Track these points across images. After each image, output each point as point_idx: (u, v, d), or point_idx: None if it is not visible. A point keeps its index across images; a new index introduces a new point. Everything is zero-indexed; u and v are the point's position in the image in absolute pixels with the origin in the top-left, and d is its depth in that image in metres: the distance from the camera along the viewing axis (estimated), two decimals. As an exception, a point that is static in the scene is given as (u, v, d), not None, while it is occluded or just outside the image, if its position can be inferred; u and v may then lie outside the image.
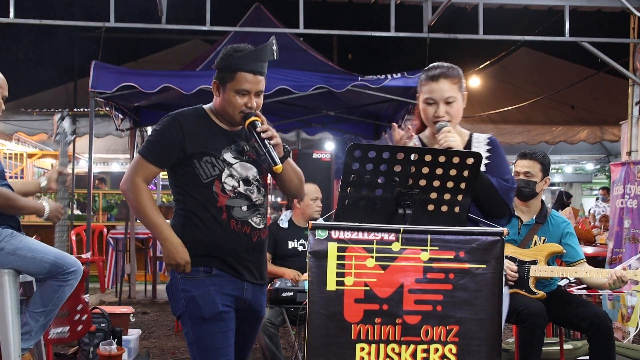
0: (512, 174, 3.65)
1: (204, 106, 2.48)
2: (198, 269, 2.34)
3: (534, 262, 3.52)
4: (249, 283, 2.41)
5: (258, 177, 2.44)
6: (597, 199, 12.81)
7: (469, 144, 2.47)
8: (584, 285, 3.80)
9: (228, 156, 2.38)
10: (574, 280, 3.93)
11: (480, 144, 2.48)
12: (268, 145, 2.33)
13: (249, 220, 2.39)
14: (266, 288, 2.58)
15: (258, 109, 2.42)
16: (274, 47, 2.40)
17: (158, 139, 2.38)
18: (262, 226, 2.44)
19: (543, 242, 3.63)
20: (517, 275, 3.47)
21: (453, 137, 2.25)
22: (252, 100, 2.38)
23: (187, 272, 2.33)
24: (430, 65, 2.47)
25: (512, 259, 3.52)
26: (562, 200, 10.30)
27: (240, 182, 2.38)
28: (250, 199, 2.39)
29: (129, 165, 2.42)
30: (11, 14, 6.00)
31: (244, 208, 2.38)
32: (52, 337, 3.47)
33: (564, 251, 3.59)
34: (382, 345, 1.89)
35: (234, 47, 2.40)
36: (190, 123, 2.39)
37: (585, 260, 3.66)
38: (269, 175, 2.54)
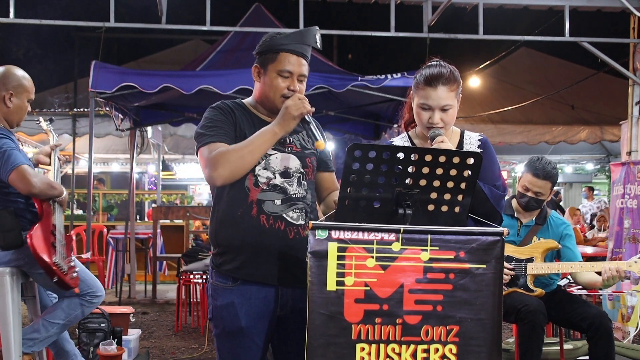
0: (520, 187, 3.63)
1: (243, 100, 2.39)
2: (226, 278, 2.23)
3: (531, 260, 3.52)
4: (287, 287, 2.23)
5: (302, 169, 2.29)
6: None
7: (460, 144, 2.43)
8: (584, 285, 3.81)
9: None
10: (573, 281, 3.93)
11: (472, 145, 2.42)
12: (310, 121, 2.22)
13: (283, 215, 2.21)
14: None
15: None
16: (317, 35, 2.31)
17: (216, 123, 2.23)
18: (301, 222, 2.24)
19: (542, 243, 3.63)
20: (509, 278, 3.47)
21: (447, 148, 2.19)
22: (294, 83, 2.26)
23: (308, 109, 2.18)
24: (430, 63, 2.36)
25: (508, 257, 3.51)
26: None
27: (277, 174, 2.24)
28: (287, 192, 2.23)
29: (201, 163, 2.22)
30: (11, 14, 6.01)
31: (277, 202, 2.22)
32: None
33: (559, 246, 3.58)
34: (382, 345, 1.89)
35: (275, 32, 2.33)
36: (236, 109, 2.31)
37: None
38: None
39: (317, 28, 2.34)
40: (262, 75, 2.31)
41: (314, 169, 2.36)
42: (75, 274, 3.32)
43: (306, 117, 2.22)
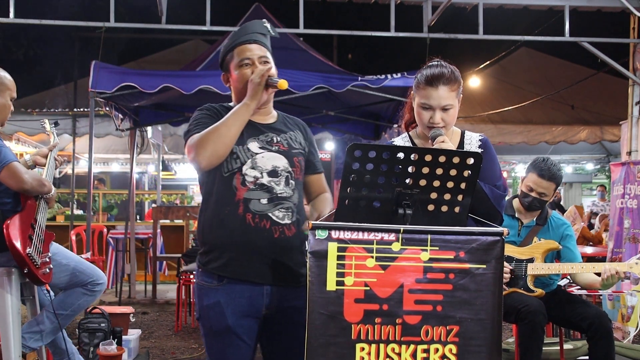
0: (524, 187, 3.63)
1: (229, 104, 2.42)
2: (212, 277, 2.25)
3: (531, 260, 3.52)
4: (273, 286, 2.24)
5: (289, 169, 2.30)
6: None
7: (461, 144, 2.43)
8: (584, 286, 3.80)
9: (253, 146, 2.27)
10: (572, 281, 3.93)
11: (473, 145, 2.42)
12: (271, 78, 2.24)
13: (269, 214, 2.22)
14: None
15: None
16: (266, 24, 2.37)
17: (202, 120, 2.28)
18: (287, 221, 2.25)
19: (542, 244, 3.63)
20: (509, 277, 3.47)
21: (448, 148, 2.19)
22: (257, 66, 2.29)
23: (267, 74, 2.21)
24: (431, 63, 2.37)
25: (508, 257, 3.51)
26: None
27: (264, 173, 2.26)
28: (273, 191, 2.24)
29: (186, 153, 2.27)
30: (11, 14, 6.01)
31: (264, 201, 2.23)
32: None
33: (560, 247, 3.58)
34: (382, 345, 1.89)
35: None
36: (223, 111, 2.34)
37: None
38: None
39: (264, 20, 2.41)
40: (230, 77, 2.37)
41: (301, 168, 2.37)
42: (48, 270, 3.31)
43: (270, 80, 2.24)
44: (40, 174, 3.34)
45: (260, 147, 2.28)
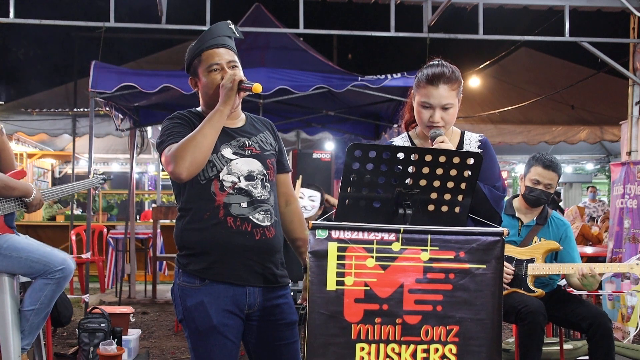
0: (528, 182, 3.63)
1: (197, 109, 2.42)
2: (194, 278, 2.26)
3: (532, 260, 3.52)
4: (255, 287, 2.27)
5: (264, 171, 2.33)
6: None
7: (460, 144, 2.43)
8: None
9: (227, 152, 2.29)
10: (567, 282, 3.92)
11: (472, 145, 2.42)
12: (244, 82, 2.24)
13: (250, 217, 2.25)
14: (288, 291, 2.41)
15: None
16: (230, 26, 2.37)
17: (174, 129, 2.28)
18: (267, 223, 2.28)
19: (542, 244, 3.62)
20: (511, 278, 3.47)
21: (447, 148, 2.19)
22: (226, 72, 2.29)
23: (238, 79, 2.21)
24: (432, 62, 2.37)
25: (509, 258, 3.52)
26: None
27: (241, 178, 2.28)
28: (252, 194, 2.27)
29: (163, 165, 2.26)
30: (11, 14, 6.01)
31: (244, 204, 2.25)
32: None
33: (561, 248, 3.58)
34: (382, 345, 1.89)
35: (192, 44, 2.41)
36: (193, 117, 2.34)
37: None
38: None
39: (228, 21, 2.40)
40: (198, 82, 2.36)
41: (274, 169, 2.40)
42: None
43: (244, 83, 2.24)
44: (39, 187, 3.34)
45: (233, 153, 2.30)
